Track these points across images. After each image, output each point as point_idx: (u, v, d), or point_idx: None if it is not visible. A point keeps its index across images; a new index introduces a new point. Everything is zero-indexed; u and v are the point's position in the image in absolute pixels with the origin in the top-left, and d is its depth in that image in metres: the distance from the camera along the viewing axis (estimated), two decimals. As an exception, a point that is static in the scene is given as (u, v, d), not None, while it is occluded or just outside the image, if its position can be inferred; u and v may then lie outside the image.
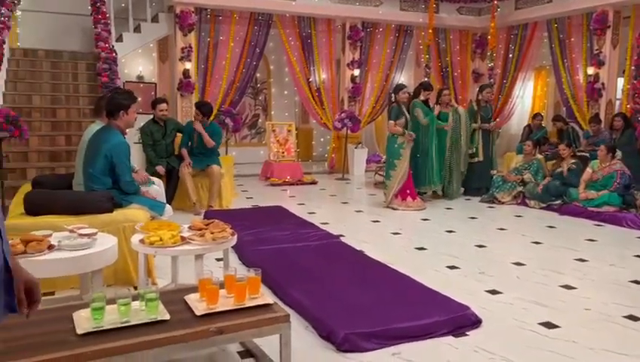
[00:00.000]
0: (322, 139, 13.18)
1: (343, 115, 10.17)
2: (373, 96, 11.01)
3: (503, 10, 10.68)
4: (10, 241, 1.37)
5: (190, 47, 9.35)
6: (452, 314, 3.25)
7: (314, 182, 9.39)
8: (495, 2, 10.42)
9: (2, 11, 7.21)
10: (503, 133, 10.90)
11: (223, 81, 9.81)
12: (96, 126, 4.37)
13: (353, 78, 10.71)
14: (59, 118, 7.44)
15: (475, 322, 3.25)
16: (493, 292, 3.88)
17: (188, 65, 9.35)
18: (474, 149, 8.15)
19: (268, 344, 2.77)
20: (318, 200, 7.81)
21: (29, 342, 2.12)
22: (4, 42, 7.11)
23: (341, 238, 5.34)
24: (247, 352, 2.87)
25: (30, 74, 8.02)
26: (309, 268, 4.23)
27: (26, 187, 4.57)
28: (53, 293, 3.54)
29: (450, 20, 11.22)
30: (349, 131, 10.33)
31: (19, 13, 8.81)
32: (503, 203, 7.54)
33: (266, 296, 2.60)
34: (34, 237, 2.96)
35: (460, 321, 3.21)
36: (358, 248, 4.95)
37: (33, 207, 3.81)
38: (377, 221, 6.39)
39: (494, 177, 7.88)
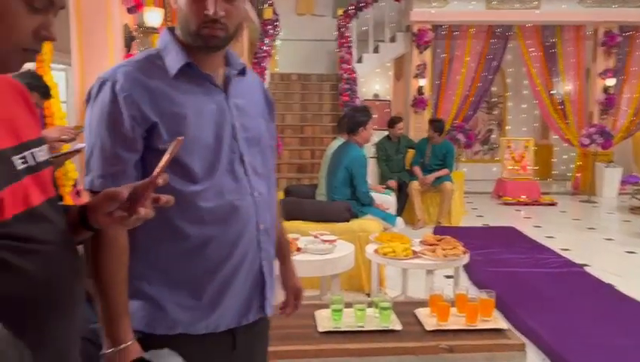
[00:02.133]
0: (565, 157, 12.03)
1: (591, 129, 9.13)
2: (632, 108, 9.64)
3: None
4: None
5: (425, 64, 9.51)
6: None
7: (553, 203, 8.61)
8: None
9: (266, 41, 8.38)
10: None
11: (457, 97, 9.71)
12: (338, 141, 4.76)
13: (606, 89, 9.55)
14: (306, 135, 8.30)
15: None
16: None
17: (422, 82, 9.52)
18: None
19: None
20: (557, 223, 7.14)
21: (279, 332, 2.39)
22: (265, 68, 8.24)
23: (585, 268, 4.78)
24: (476, 376, 2.77)
25: (284, 95, 9.13)
26: (546, 296, 3.89)
27: (280, 195, 5.20)
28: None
29: None
30: (598, 148, 9.23)
31: (278, 42, 10.12)
32: None
33: (500, 321, 2.47)
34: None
35: None
36: (605, 281, 4.37)
37: (285, 213, 4.31)
38: (632, 252, 5.55)
39: None
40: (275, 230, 1.41)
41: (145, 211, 0.94)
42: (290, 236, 3.50)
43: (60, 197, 1.06)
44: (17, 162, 0.90)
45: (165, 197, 0.97)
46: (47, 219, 0.93)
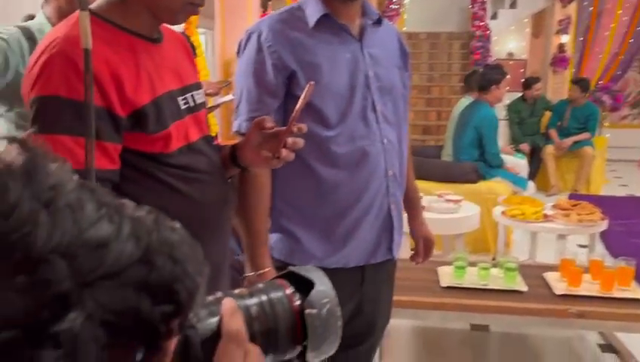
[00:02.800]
0: None
1: None
2: None
3: None
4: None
5: (569, 18, 8.72)
6: None
7: None
8: None
9: (394, 0, 8.23)
10: None
11: (604, 55, 8.82)
12: (466, 101, 4.61)
13: None
14: (432, 95, 8.11)
15: None
16: None
17: (564, 39, 8.76)
18: None
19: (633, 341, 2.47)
20: None
21: (402, 284, 2.46)
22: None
23: None
24: (608, 346, 2.63)
25: (412, 55, 8.92)
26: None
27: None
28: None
29: None
30: None
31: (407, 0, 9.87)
32: None
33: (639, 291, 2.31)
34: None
35: None
36: None
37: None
38: None
39: None
40: (406, 180, 1.46)
41: (286, 153, 1.03)
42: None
43: (213, 137, 1.20)
44: (181, 102, 1.04)
45: (295, 140, 1.05)
46: (203, 153, 1.08)
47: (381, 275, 1.44)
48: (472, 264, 2.52)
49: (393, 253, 1.43)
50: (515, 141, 6.59)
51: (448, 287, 2.39)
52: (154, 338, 0.39)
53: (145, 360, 0.40)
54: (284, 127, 1.04)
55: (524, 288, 2.32)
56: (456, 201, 3.31)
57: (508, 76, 5.33)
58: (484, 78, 4.19)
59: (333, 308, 0.52)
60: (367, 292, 1.41)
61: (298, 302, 0.51)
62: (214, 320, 0.48)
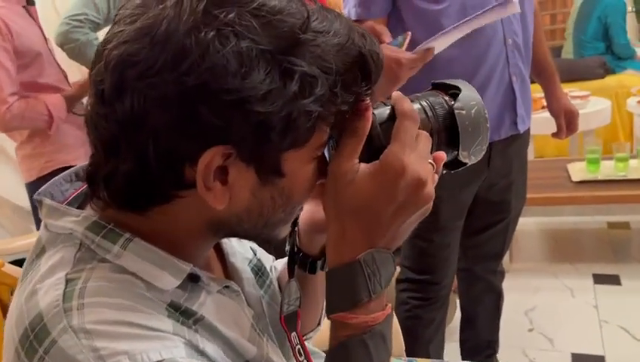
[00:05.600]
0: None
1: None
2: None
3: None
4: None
5: None
6: None
7: None
8: None
9: None
10: None
11: None
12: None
13: None
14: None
15: None
16: None
17: None
18: None
19: None
20: None
21: (532, 183, 2.38)
22: None
23: None
24: None
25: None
26: None
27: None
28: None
29: None
30: None
31: None
32: None
33: None
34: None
35: None
36: None
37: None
38: None
39: None
40: (534, 47, 1.38)
41: None
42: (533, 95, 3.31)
43: None
44: None
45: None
46: None
47: (510, 151, 1.41)
48: (607, 158, 2.37)
49: (518, 128, 1.37)
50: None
51: (581, 182, 2.28)
52: (352, 106, 0.48)
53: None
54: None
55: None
56: (584, 97, 3.08)
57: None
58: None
59: (480, 110, 0.55)
60: (495, 168, 1.38)
61: (452, 103, 0.55)
62: (388, 107, 0.53)
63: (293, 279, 0.64)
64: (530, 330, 2.11)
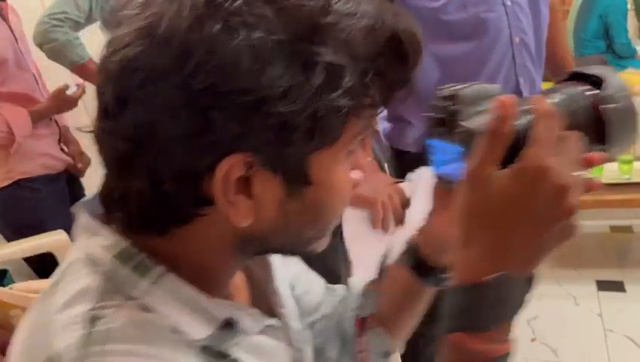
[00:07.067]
0: None
1: None
2: None
3: None
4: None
5: None
6: None
7: None
8: None
9: None
10: None
11: None
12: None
13: None
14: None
15: None
16: None
17: None
18: None
19: None
20: None
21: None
22: None
23: None
24: None
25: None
26: None
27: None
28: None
29: None
30: None
31: None
32: None
33: None
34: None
35: None
36: None
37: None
38: None
39: None
40: (549, 46, 1.28)
41: None
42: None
43: None
44: None
45: None
46: None
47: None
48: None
49: None
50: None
51: (612, 184, 2.19)
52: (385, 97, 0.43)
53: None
54: None
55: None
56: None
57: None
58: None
59: (629, 98, 0.49)
60: None
61: (595, 93, 0.48)
62: (527, 107, 0.46)
63: (378, 285, 0.61)
64: (533, 340, 2.03)
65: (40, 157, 1.79)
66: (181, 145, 0.38)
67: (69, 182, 1.93)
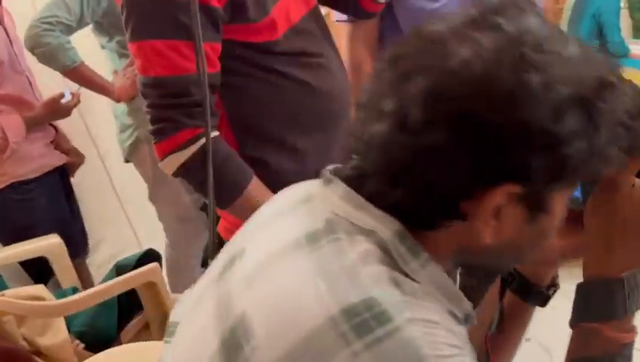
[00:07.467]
0: None
1: None
2: None
3: None
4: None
5: None
6: None
7: None
8: None
9: None
10: None
11: None
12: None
13: None
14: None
15: None
16: None
17: None
18: None
19: None
20: None
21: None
22: None
23: None
24: None
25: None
26: None
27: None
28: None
29: None
30: None
31: None
32: None
33: None
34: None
35: None
36: None
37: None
38: None
39: None
40: None
41: None
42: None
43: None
44: None
45: None
46: (310, 32, 1.01)
47: None
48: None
49: None
50: (638, 31, 5.85)
51: None
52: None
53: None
54: None
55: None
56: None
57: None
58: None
59: None
60: None
61: None
62: None
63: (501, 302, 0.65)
64: (527, 340, 2.03)
65: (34, 160, 1.79)
66: (465, 168, 0.43)
67: (61, 175, 1.95)
